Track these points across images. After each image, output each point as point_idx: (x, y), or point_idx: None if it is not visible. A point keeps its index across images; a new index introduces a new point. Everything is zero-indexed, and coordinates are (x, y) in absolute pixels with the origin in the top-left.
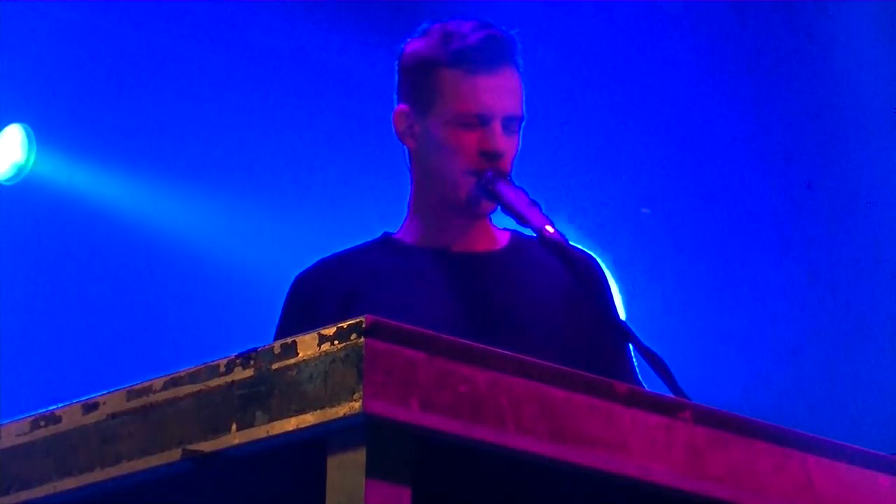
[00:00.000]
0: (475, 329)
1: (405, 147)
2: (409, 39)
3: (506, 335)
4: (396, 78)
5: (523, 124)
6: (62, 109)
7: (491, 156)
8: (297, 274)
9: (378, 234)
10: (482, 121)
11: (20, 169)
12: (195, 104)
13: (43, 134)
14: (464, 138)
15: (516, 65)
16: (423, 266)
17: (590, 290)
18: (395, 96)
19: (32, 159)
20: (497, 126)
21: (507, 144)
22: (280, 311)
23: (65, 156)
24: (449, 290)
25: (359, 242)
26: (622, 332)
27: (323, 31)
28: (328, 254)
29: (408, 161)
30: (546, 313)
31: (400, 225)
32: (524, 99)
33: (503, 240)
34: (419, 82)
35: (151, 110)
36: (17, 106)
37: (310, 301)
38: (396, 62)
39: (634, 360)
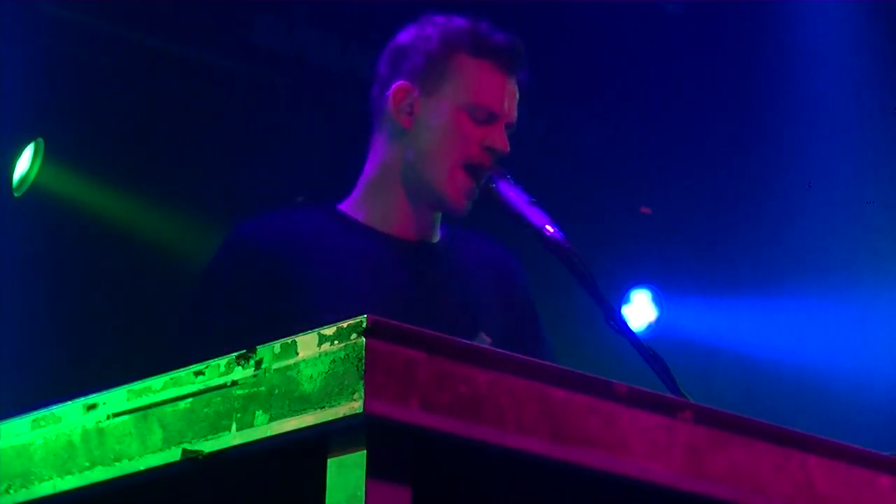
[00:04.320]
0: (415, 317)
1: (385, 125)
2: (424, 22)
3: (445, 325)
4: (393, 56)
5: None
6: (68, 123)
7: (495, 153)
8: (239, 224)
9: (317, 202)
10: (492, 118)
11: (23, 179)
12: (202, 118)
13: (50, 147)
14: (470, 129)
15: (523, 79)
16: (372, 248)
17: (593, 287)
18: (382, 74)
19: (35, 171)
20: (502, 127)
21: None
22: (216, 258)
23: (70, 169)
24: (394, 277)
25: (300, 205)
26: (623, 330)
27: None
28: (272, 210)
29: (381, 138)
30: (483, 303)
31: (345, 197)
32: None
33: (442, 231)
34: (435, 63)
35: (157, 123)
36: (25, 118)
37: (250, 254)
38: (401, 42)
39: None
